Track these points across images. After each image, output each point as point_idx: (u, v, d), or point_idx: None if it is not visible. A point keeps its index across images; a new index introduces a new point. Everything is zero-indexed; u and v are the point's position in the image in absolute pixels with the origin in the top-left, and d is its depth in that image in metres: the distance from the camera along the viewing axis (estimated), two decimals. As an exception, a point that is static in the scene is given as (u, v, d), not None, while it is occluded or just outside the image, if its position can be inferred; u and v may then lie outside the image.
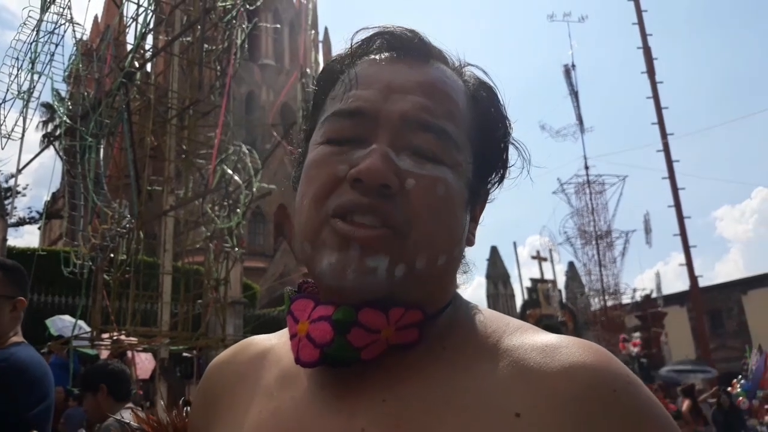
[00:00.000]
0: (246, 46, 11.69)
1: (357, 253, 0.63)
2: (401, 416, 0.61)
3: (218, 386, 0.80)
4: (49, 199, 22.68)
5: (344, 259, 0.63)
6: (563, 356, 0.62)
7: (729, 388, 12.65)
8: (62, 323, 9.78)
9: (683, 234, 17.74)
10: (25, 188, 31.45)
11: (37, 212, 32.65)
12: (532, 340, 0.65)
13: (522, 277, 27.63)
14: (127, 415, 3.35)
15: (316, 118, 0.75)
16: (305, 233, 0.67)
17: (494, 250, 31.99)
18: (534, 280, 27.47)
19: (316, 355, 0.64)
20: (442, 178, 0.67)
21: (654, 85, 19.26)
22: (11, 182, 17.08)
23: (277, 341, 0.80)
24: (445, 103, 0.70)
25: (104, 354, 8.81)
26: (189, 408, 0.95)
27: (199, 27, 9.94)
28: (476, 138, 0.72)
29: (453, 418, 0.60)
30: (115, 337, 9.05)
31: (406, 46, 0.72)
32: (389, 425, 0.61)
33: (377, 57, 0.72)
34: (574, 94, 24.86)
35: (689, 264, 17.66)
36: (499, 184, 0.77)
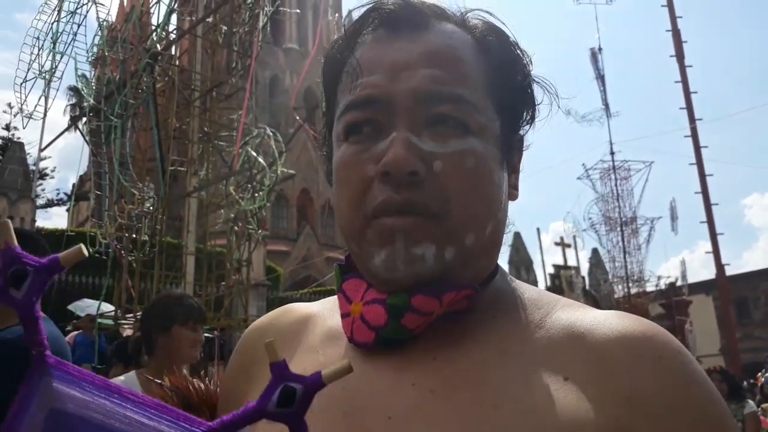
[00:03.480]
0: (269, 29, 11.69)
1: (402, 245, 0.64)
2: (451, 372, 0.62)
3: (258, 348, 0.78)
4: (77, 181, 23.03)
5: (392, 254, 0.64)
6: (612, 325, 0.63)
7: (753, 381, 12.49)
8: (85, 305, 9.93)
9: (710, 221, 17.45)
10: (53, 170, 32.05)
11: (65, 194, 33.27)
12: (583, 313, 0.66)
13: (545, 263, 27.39)
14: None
15: (332, 112, 0.74)
16: (350, 233, 0.69)
17: (517, 236, 31.80)
18: (557, 267, 27.28)
19: (371, 336, 0.66)
20: (469, 150, 0.66)
21: (683, 68, 18.88)
22: (39, 165, 17.32)
23: (319, 308, 0.81)
24: (454, 67, 0.68)
25: (128, 333, 8.94)
26: (214, 379, 0.95)
27: (223, 9, 9.94)
28: (495, 90, 0.70)
29: (501, 376, 0.61)
30: (138, 317, 9.16)
31: (399, 18, 0.70)
32: (439, 380, 0.62)
33: (374, 36, 0.71)
34: (601, 78, 24.48)
35: (716, 252, 17.40)
36: (530, 126, 0.75)
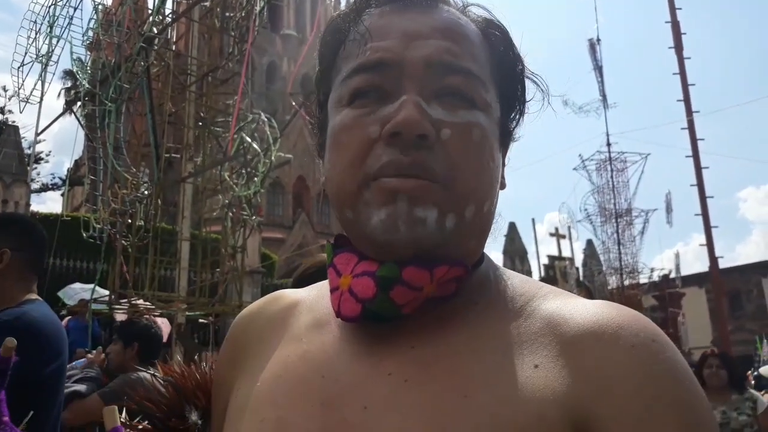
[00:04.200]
0: (266, 14, 11.62)
1: (405, 204, 0.62)
2: (427, 360, 0.62)
3: (247, 335, 0.80)
4: (71, 165, 22.93)
5: (393, 213, 0.62)
6: (589, 314, 0.62)
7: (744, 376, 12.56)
8: (74, 291, 9.90)
9: (705, 214, 17.47)
10: (48, 155, 31.89)
11: (60, 178, 33.12)
12: (564, 302, 0.65)
13: (540, 254, 27.47)
14: (145, 376, 3.43)
15: (329, 81, 0.74)
16: (343, 201, 0.67)
17: (512, 226, 31.86)
18: (551, 258, 27.37)
19: (357, 309, 0.65)
20: (476, 122, 0.67)
21: (681, 60, 18.82)
22: (32, 148, 17.25)
23: (306, 294, 0.81)
24: (465, 44, 0.69)
25: (121, 318, 8.94)
26: (207, 364, 0.95)
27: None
28: (497, 77, 0.72)
29: (476, 364, 0.61)
30: (132, 302, 9.17)
31: None
32: (415, 369, 0.62)
33: (383, 9, 0.71)
34: (599, 69, 24.43)
35: (710, 245, 17.42)
36: (520, 120, 0.76)
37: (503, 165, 0.75)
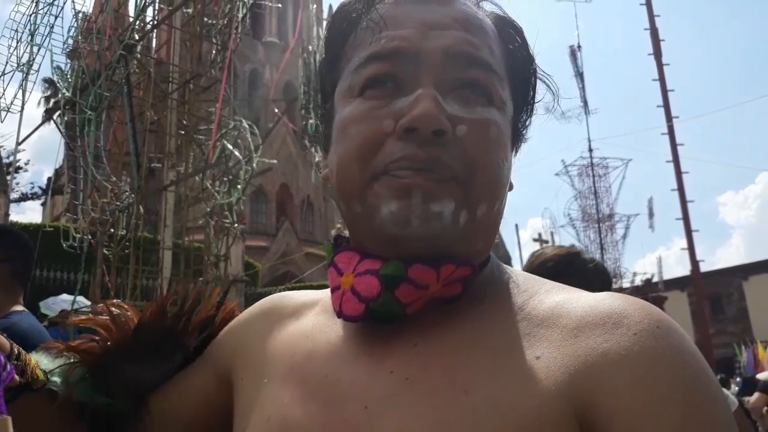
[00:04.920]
0: (248, 21, 11.60)
1: (419, 200, 0.60)
2: (429, 358, 0.61)
3: (260, 327, 0.80)
4: (52, 175, 22.67)
5: (407, 207, 0.60)
6: (592, 304, 0.60)
7: (725, 376, 12.68)
8: (54, 302, 9.77)
9: (686, 218, 17.66)
10: (26, 163, 31.51)
11: (40, 188, 32.76)
12: (568, 295, 0.64)
13: (523, 259, 27.57)
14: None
15: (336, 71, 0.71)
16: (351, 194, 0.65)
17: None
18: (535, 263, 27.43)
19: (360, 309, 0.63)
20: (493, 120, 0.65)
21: (660, 67, 19.07)
22: (12, 157, 17.02)
23: (322, 296, 0.80)
24: (483, 37, 0.67)
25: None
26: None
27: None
28: (510, 74, 0.70)
29: (478, 359, 0.60)
30: (114, 312, 9.04)
31: None
32: (416, 367, 0.61)
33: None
34: (580, 75, 24.66)
35: (691, 248, 17.61)
36: (529, 121, 0.75)
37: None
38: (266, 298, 0.86)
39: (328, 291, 0.79)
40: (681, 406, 0.51)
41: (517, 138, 0.73)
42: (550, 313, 0.62)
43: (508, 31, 0.71)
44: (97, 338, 0.85)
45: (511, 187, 0.72)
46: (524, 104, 0.73)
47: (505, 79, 0.68)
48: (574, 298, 0.63)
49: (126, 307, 0.88)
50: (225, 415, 0.78)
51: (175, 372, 0.87)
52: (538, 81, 0.74)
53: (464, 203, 0.62)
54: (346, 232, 0.74)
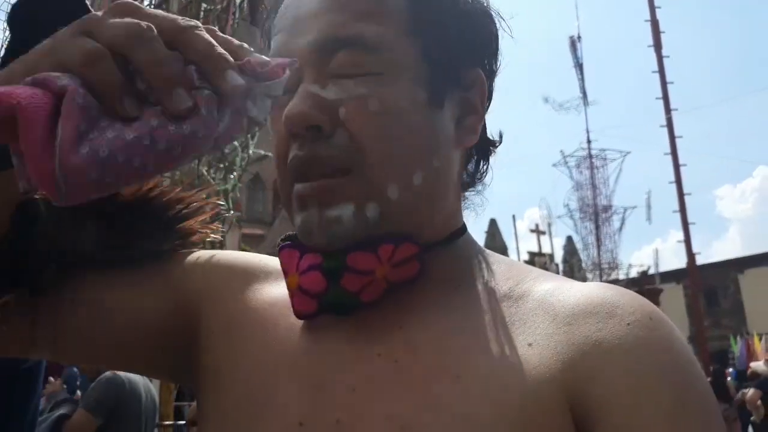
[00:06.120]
0: (245, 6, 11.52)
1: (316, 209, 0.60)
2: (417, 341, 0.60)
3: (247, 277, 0.73)
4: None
5: (307, 219, 0.61)
6: (583, 293, 0.60)
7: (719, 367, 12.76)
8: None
9: (683, 210, 17.68)
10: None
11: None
12: (557, 284, 0.63)
13: (520, 250, 27.62)
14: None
15: None
16: (283, 200, 0.66)
17: (493, 223, 32.07)
18: (531, 254, 27.55)
19: (313, 305, 0.62)
20: (371, 92, 0.61)
21: (660, 59, 19.02)
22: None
23: None
24: (356, 4, 0.62)
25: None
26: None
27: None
28: (424, 23, 0.64)
29: (469, 343, 0.59)
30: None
31: None
32: (405, 350, 0.60)
33: None
34: (579, 66, 24.58)
35: (687, 241, 17.64)
36: (495, 63, 0.70)
37: (478, 113, 0.68)
38: (250, 254, 0.80)
39: None
40: (671, 393, 0.53)
41: (448, 89, 0.65)
42: (540, 301, 0.61)
43: None
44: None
45: (470, 142, 0.67)
46: (465, 45, 0.67)
47: (401, 37, 0.63)
48: (564, 287, 0.62)
49: None
50: (167, 346, 0.70)
51: (119, 255, 0.70)
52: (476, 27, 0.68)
53: (365, 197, 0.60)
54: None
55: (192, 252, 0.77)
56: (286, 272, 0.65)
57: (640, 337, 0.55)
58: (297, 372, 0.62)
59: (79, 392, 5.80)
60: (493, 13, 0.70)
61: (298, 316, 0.64)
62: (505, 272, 0.66)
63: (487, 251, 0.71)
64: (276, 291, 0.71)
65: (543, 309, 0.60)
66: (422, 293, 0.63)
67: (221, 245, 10.82)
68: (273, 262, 0.76)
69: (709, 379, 11.22)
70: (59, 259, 0.67)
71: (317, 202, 0.60)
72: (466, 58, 0.67)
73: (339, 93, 0.61)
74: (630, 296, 0.60)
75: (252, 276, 0.74)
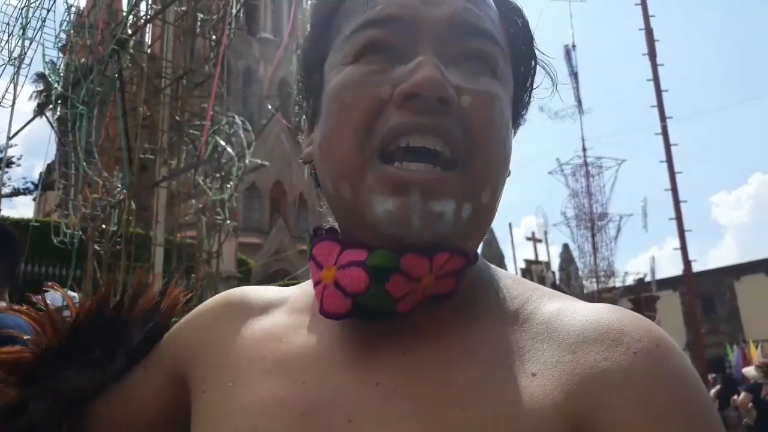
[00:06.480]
0: (242, 16, 11.54)
1: (419, 198, 0.56)
2: (418, 370, 0.57)
3: (222, 320, 0.73)
4: (44, 170, 22.52)
5: (404, 206, 0.56)
6: (588, 318, 0.57)
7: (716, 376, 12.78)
8: (54, 296, 9.72)
9: (679, 218, 17.68)
10: (19, 158, 31.29)
11: (32, 183, 32.53)
12: (562, 305, 0.60)
13: (516, 258, 27.61)
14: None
15: (325, 43, 0.66)
16: (342, 171, 0.59)
17: (490, 231, 32.00)
18: (528, 262, 27.53)
19: (346, 305, 0.58)
20: (497, 94, 0.60)
21: (655, 67, 19.05)
22: (3, 153, 16.91)
23: (290, 293, 0.74)
24: (487, 9, 0.63)
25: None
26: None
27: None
28: (510, 52, 0.66)
29: (470, 373, 0.56)
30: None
31: None
32: (406, 378, 0.57)
33: None
34: (574, 75, 24.68)
35: (683, 248, 17.63)
36: (528, 105, 0.70)
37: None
38: (227, 291, 0.79)
39: (295, 288, 0.76)
40: (683, 424, 0.50)
41: (516, 119, 0.68)
42: (546, 325, 0.58)
43: (508, 8, 0.67)
44: (28, 346, 0.78)
45: (509, 173, 0.67)
46: (524, 85, 0.69)
47: (507, 54, 0.64)
48: (570, 309, 0.59)
49: (58, 308, 0.81)
50: (183, 416, 0.71)
51: (120, 374, 0.79)
52: (537, 65, 0.69)
53: (466, 195, 0.58)
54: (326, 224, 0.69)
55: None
56: (321, 265, 0.61)
57: (647, 367, 0.53)
58: (292, 404, 0.59)
59: None
60: (539, 56, 0.70)
61: (326, 315, 0.59)
62: (511, 291, 0.64)
63: (493, 266, 0.69)
64: (261, 323, 0.70)
65: (548, 334, 0.57)
66: (434, 313, 0.61)
67: (218, 255, 10.81)
68: (253, 294, 0.76)
69: (714, 389, 11.22)
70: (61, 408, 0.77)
71: (421, 191, 0.56)
72: (522, 99, 0.70)
73: (465, 81, 0.58)
74: (637, 321, 0.57)
75: (231, 316, 0.73)
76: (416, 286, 0.57)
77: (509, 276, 0.68)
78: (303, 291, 0.72)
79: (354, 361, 0.60)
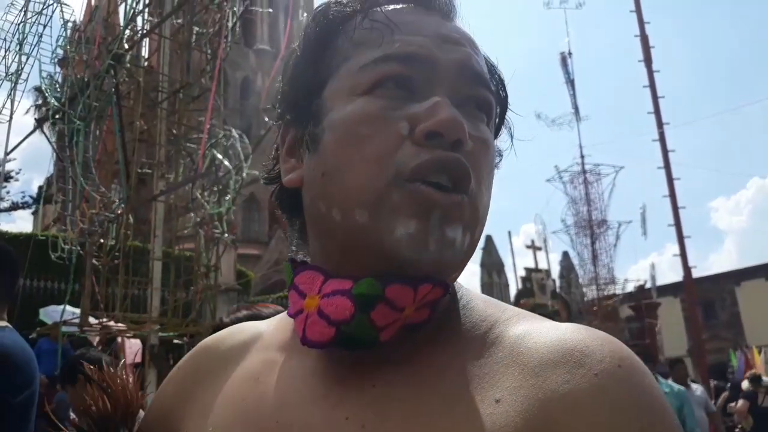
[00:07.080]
0: (238, 29, 11.59)
1: (438, 222, 0.57)
2: (386, 404, 0.58)
3: (201, 368, 0.75)
4: (43, 184, 22.54)
5: (425, 229, 0.57)
6: (551, 340, 0.57)
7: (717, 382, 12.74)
8: (54, 310, 9.72)
9: (678, 224, 17.66)
10: (17, 172, 31.29)
11: (30, 197, 32.54)
12: (528, 327, 0.60)
13: (516, 266, 27.62)
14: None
15: (325, 66, 0.66)
16: (359, 198, 0.59)
17: (489, 239, 32.05)
18: (528, 270, 27.50)
19: (330, 333, 0.58)
20: (492, 143, 0.65)
21: (651, 73, 19.10)
22: (2, 167, 16.93)
23: (266, 328, 0.75)
24: (482, 60, 0.67)
25: (94, 340, 8.76)
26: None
27: (188, 8, 9.83)
28: (498, 96, 0.71)
29: (437, 405, 0.56)
30: (104, 323, 8.98)
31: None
32: (374, 413, 0.57)
33: (406, 5, 0.66)
34: (571, 82, 24.74)
35: (683, 254, 17.61)
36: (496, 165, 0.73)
37: None
38: (202, 342, 0.82)
39: (268, 322, 0.77)
40: None
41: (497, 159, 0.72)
42: (510, 348, 0.58)
43: (489, 62, 0.71)
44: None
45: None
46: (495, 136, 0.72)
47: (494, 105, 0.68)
48: (535, 331, 0.59)
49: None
50: None
51: None
52: (506, 121, 0.74)
53: (468, 226, 0.60)
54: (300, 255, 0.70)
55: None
56: (303, 294, 0.62)
57: (607, 390, 0.52)
58: None
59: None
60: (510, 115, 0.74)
61: (308, 343, 0.60)
62: (480, 313, 0.64)
63: (463, 287, 0.69)
64: (239, 365, 0.72)
65: (513, 358, 0.57)
66: (406, 343, 0.61)
67: (216, 268, 10.79)
68: (228, 338, 0.78)
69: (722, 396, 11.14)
70: None
71: (441, 214, 0.58)
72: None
73: (470, 127, 0.61)
74: (600, 341, 0.57)
75: (209, 363, 0.75)
76: (399, 316, 0.58)
77: (478, 297, 0.68)
78: (277, 325, 0.74)
79: (325, 396, 0.61)
